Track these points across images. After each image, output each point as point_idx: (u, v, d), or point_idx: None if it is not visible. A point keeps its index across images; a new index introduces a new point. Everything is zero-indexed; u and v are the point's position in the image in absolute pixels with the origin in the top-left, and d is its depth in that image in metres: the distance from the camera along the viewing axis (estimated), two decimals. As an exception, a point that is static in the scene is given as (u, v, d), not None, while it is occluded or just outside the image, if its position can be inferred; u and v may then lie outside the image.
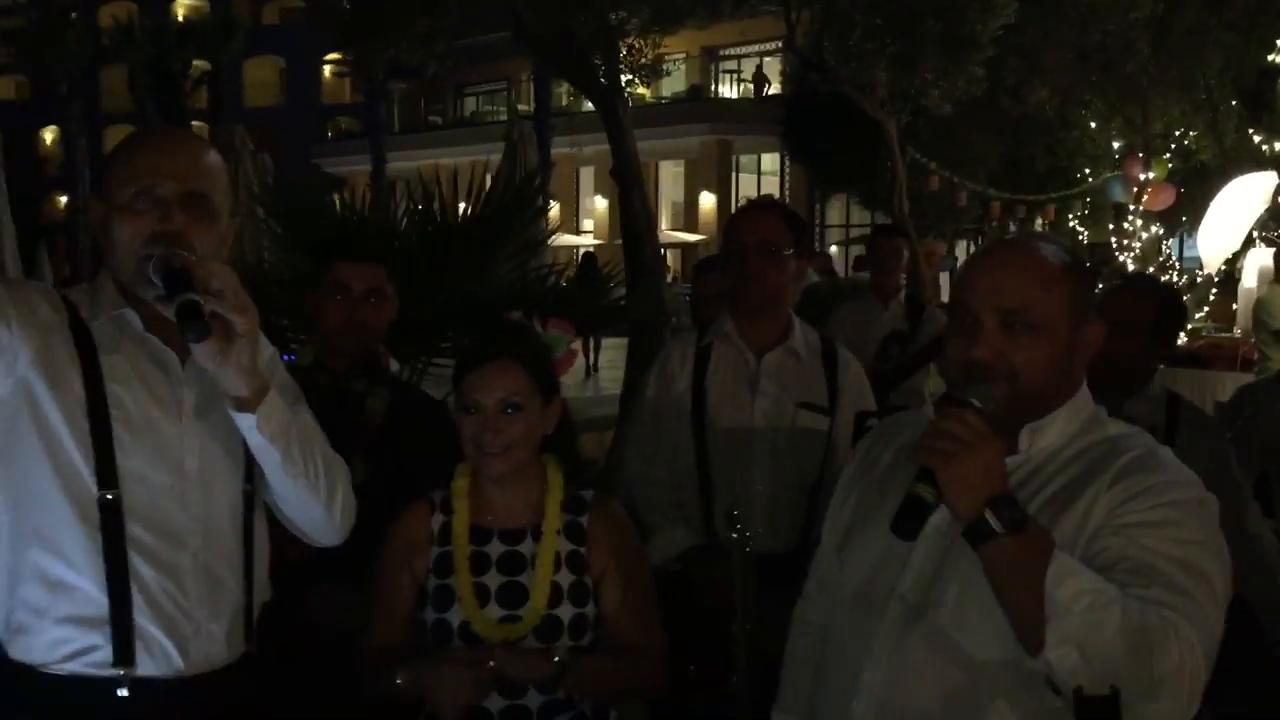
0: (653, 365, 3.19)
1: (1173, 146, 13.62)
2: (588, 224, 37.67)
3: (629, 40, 7.69)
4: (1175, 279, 13.04)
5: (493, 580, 2.19)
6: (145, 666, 1.81)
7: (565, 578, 2.20)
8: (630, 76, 7.37)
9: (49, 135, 48.25)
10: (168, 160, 1.83)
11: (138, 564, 1.81)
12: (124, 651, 1.80)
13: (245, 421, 1.81)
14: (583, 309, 6.21)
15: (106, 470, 1.79)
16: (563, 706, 2.17)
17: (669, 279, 31.28)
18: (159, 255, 1.73)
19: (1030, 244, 1.74)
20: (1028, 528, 1.49)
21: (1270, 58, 9.72)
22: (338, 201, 6.32)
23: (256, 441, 1.84)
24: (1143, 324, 2.99)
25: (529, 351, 2.25)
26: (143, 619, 1.81)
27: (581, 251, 30.27)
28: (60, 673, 1.80)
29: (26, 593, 1.81)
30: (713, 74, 36.50)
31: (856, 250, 30.62)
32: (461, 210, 5.89)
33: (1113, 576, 1.50)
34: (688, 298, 5.15)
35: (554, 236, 6.78)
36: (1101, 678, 1.44)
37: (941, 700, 1.63)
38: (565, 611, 2.18)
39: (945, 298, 23.24)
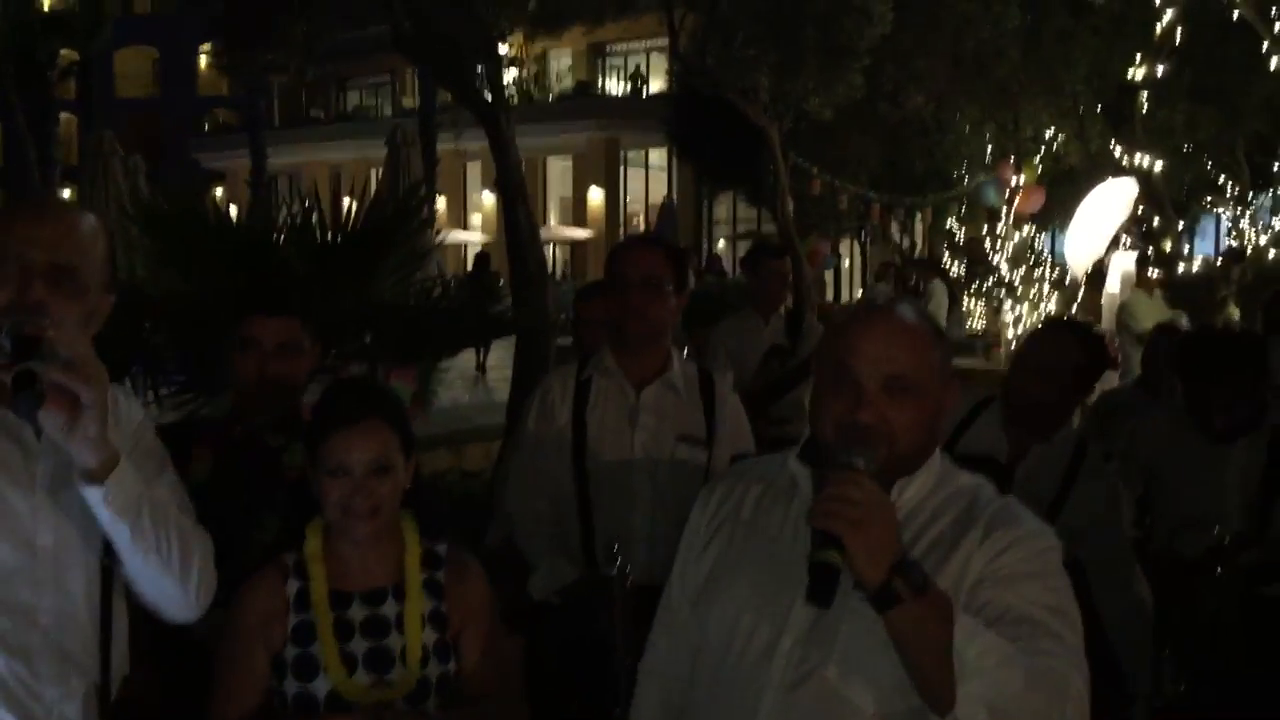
0: (533, 397, 3.20)
1: (1042, 150, 14.10)
2: (475, 219, 37.34)
3: (511, 50, 7.64)
4: (1047, 274, 13.52)
5: (358, 646, 2.13)
6: None
7: (430, 636, 2.16)
8: (512, 89, 7.31)
9: (-96, 127, 45.89)
10: (36, 230, 1.79)
11: None
12: None
13: (93, 495, 1.76)
14: (473, 317, 6.18)
15: None
16: None
17: (559, 276, 31.28)
18: (10, 322, 1.69)
19: (903, 310, 1.80)
20: (930, 590, 1.52)
21: (1129, 73, 10.13)
22: (214, 199, 6.12)
23: (104, 515, 1.79)
24: (1065, 369, 3.06)
25: (392, 410, 2.20)
26: None
27: (470, 249, 30.04)
28: None
29: None
30: (600, 69, 36.48)
31: (743, 245, 31.04)
32: (344, 218, 5.79)
33: (1000, 630, 1.56)
34: (571, 295, 5.16)
35: (440, 234, 6.69)
36: None
37: None
38: (433, 670, 2.15)
39: (829, 296, 23.70)
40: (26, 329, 1.67)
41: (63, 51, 32.62)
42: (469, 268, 27.55)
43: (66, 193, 36.31)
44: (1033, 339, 3.34)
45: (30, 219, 1.83)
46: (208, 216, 6.04)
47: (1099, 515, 3.02)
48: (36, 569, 1.81)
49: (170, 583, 1.89)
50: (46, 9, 38.07)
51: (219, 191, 42.12)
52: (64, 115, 34.73)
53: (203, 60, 42.69)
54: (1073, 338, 3.21)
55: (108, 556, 1.89)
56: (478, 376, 14.80)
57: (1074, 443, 3.13)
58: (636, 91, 33.44)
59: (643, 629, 2.48)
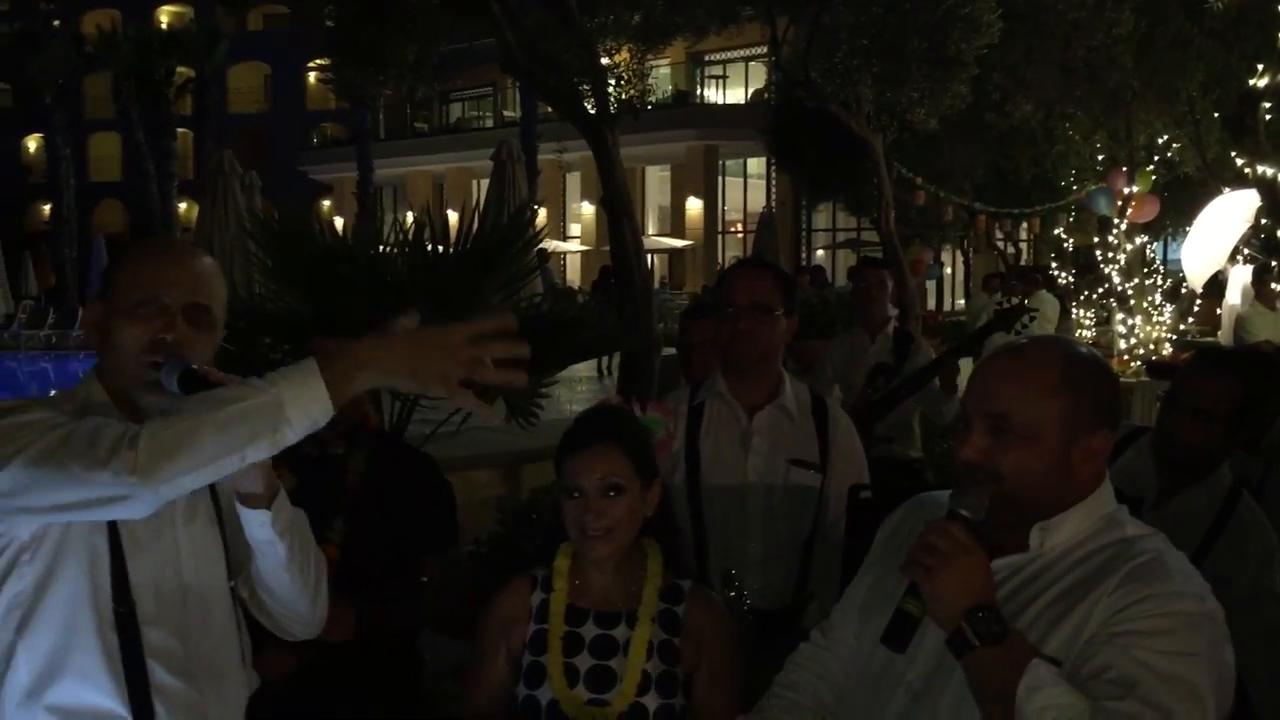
0: None
1: (1155, 158, 13.71)
2: (575, 229, 37.66)
3: (615, 67, 7.71)
4: (1160, 282, 13.13)
5: (584, 662, 2.24)
6: None
7: (655, 667, 2.23)
8: (616, 99, 7.36)
9: (33, 143, 48.03)
10: (174, 272, 1.87)
11: (158, 673, 1.83)
12: None
13: (257, 518, 1.85)
14: (596, 326, 6.23)
15: (120, 583, 1.81)
16: None
17: (657, 285, 31.36)
18: (172, 358, 1.77)
19: (1037, 351, 1.74)
20: (1006, 640, 1.53)
21: (1251, 82, 9.80)
22: (323, 211, 6.27)
23: (265, 537, 1.87)
24: (1225, 413, 2.88)
25: (628, 435, 2.31)
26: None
27: (570, 259, 30.32)
28: None
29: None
30: (698, 79, 36.55)
31: (843, 254, 30.81)
32: (455, 235, 5.88)
33: (1093, 686, 1.52)
34: (670, 304, 5.18)
35: (541, 236, 6.79)
36: None
37: None
38: (651, 701, 2.21)
39: (931, 305, 23.35)
40: (194, 365, 1.75)
41: (179, 69, 33.90)
42: (565, 278, 27.78)
43: (184, 206, 37.69)
44: (1188, 379, 3.03)
45: (167, 260, 1.91)
46: (322, 235, 6.20)
47: (1248, 566, 2.88)
48: (188, 598, 1.89)
49: (304, 600, 1.99)
50: (165, 27, 39.61)
51: (326, 203, 43.26)
52: (180, 130, 36.00)
53: (311, 76, 43.86)
54: (1231, 376, 2.97)
55: (231, 579, 1.98)
56: (601, 378, 14.76)
57: (1228, 486, 2.95)
58: (736, 102, 33.36)
59: (759, 653, 2.48)
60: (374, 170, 33.81)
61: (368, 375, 1.63)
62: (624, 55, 8.79)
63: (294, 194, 36.89)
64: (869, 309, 5.70)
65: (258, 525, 1.86)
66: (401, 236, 6.00)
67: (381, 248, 5.95)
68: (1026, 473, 1.66)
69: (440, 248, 5.82)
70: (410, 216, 6.22)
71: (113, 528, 1.82)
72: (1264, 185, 9.95)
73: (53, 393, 2.09)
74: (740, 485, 3.01)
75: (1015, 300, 6.40)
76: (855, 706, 1.86)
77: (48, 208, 40.78)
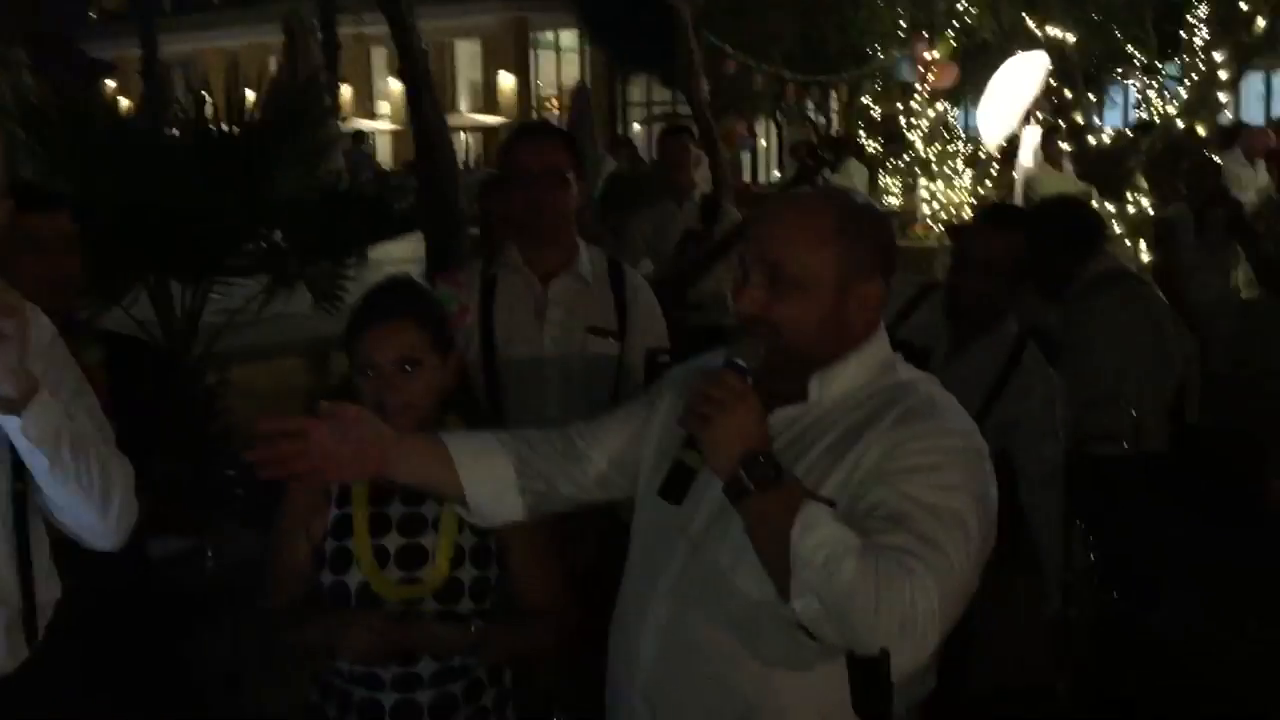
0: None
1: (955, 25, 13.99)
2: (383, 107, 36.38)
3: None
4: (961, 149, 13.59)
5: (392, 542, 2.16)
6: None
7: (468, 539, 2.17)
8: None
9: None
10: None
11: None
12: None
13: (10, 424, 1.74)
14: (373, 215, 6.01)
15: None
16: (456, 673, 2.16)
17: (471, 165, 30.69)
18: None
19: (812, 201, 1.74)
20: (781, 484, 1.54)
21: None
22: (105, 93, 5.83)
23: (22, 445, 1.76)
24: (1009, 265, 3.00)
25: (421, 307, 2.22)
26: None
27: (378, 139, 29.36)
28: None
29: None
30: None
31: (659, 127, 30.69)
32: (241, 111, 5.55)
33: (866, 523, 1.54)
34: (481, 185, 5.07)
35: (347, 122, 6.48)
36: (840, 625, 1.49)
37: (718, 637, 1.69)
38: (466, 574, 2.16)
39: (747, 177, 23.63)
40: None
41: (-69, -66, 30.67)
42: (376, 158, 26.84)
43: (-53, 89, 34.51)
44: (971, 232, 3.21)
45: None
46: (96, 115, 5.77)
47: (1032, 411, 3.00)
48: None
49: (89, 511, 1.88)
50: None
51: (110, 84, 40.39)
52: (-63, 6, 32.82)
53: (85, -58, 40.47)
54: (1013, 226, 3.14)
55: (19, 480, 1.85)
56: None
57: (1015, 336, 3.09)
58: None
59: (563, 527, 2.45)
60: (161, 47, 31.64)
61: None
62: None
63: (72, 74, 34.33)
64: (674, 177, 5.72)
65: (11, 431, 1.75)
66: (183, 115, 5.66)
67: (161, 127, 5.60)
68: (802, 323, 1.65)
69: (229, 127, 5.50)
70: (205, 98, 5.83)
71: None
72: (1053, 47, 10.30)
73: None
74: (537, 357, 2.95)
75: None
76: (634, 562, 1.86)
77: None
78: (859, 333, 1.72)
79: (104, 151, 4.99)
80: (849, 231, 1.68)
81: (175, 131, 5.73)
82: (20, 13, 37.56)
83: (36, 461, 1.79)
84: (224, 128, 5.47)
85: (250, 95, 5.86)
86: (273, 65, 33.75)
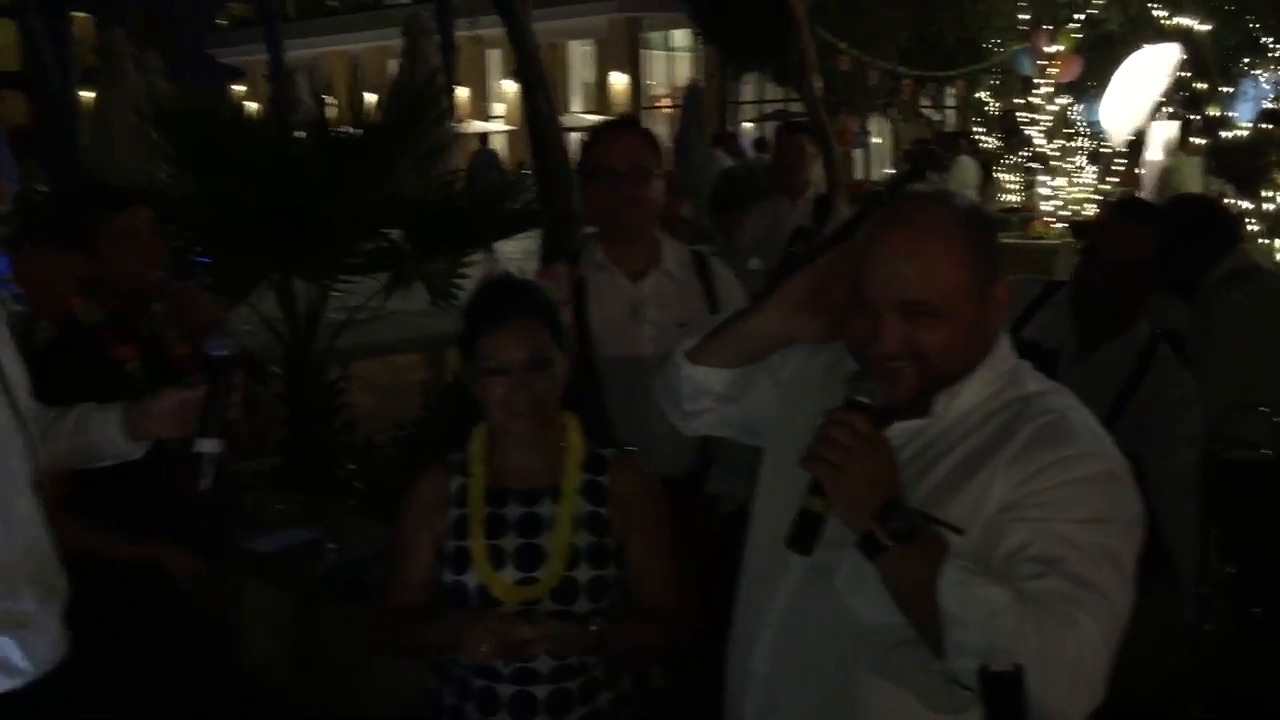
0: None
1: (1079, 16, 13.58)
2: (498, 108, 36.87)
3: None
4: (1083, 144, 13.18)
5: (509, 543, 2.18)
6: None
7: (584, 539, 2.18)
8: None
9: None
10: None
11: None
12: None
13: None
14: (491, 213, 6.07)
15: None
16: (573, 670, 2.16)
17: (583, 163, 30.86)
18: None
19: (925, 221, 1.62)
20: (918, 537, 1.47)
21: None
22: (233, 97, 6.02)
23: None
24: (1143, 263, 2.89)
25: (542, 305, 2.22)
26: None
27: (493, 139, 29.77)
28: None
29: None
30: (619, -53, 35.55)
31: (771, 126, 30.52)
32: (362, 113, 5.68)
33: (1013, 567, 1.47)
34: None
35: (462, 123, 6.57)
36: None
37: (831, 658, 1.64)
38: (583, 574, 2.16)
39: (859, 175, 23.32)
40: None
41: (73, -52, 32.09)
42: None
43: (91, 95, 36.12)
44: (1108, 231, 3.05)
45: None
46: (222, 116, 5.95)
47: (1165, 415, 2.87)
48: None
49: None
50: (54, -95, 37.37)
51: (238, 88, 41.77)
52: (78, 14, 34.27)
53: (215, -47, 41.92)
54: (1148, 222, 3.00)
55: (38, 473, 1.91)
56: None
57: (1146, 338, 2.97)
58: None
59: (677, 526, 2.45)
60: (285, 52, 32.58)
61: None
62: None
63: (202, 79, 35.57)
64: (790, 174, 5.67)
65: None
66: (307, 117, 5.81)
67: (286, 126, 5.75)
68: (949, 347, 1.59)
69: (351, 129, 5.63)
70: (329, 101, 5.98)
71: None
72: (1183, 37, 9.92)
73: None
74: (637, 355, 2.92)
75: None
76: (752, 572, 1.82)
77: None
78: (990, 338, 1.66)
79: (233, 154, 5.13)
80: (972, 240, 1.61)
81: (300, 134, 5.87)
82: (155, 21, 39.10)
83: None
84: (346, 129, 5.60)
85: (370, 97, 5.98)
86: (391, 67, 34.58)
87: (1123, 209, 3.41)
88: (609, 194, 2.90)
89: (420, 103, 5.77)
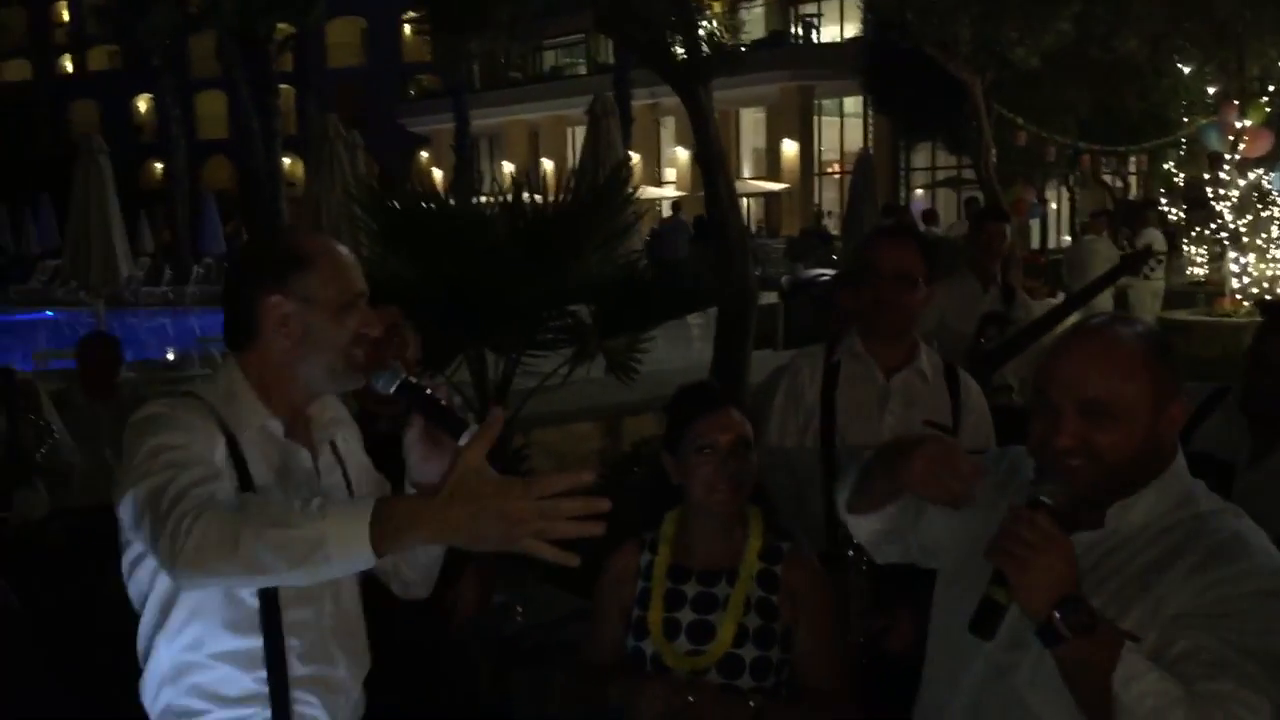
0: (779, 377, 3.27)
1: (1270, 90, 13.13)
2: (670, 174, 37.54)
3: (707, 18, 7.68)
4: (1277, 215, 12.67)
5: (685, 616, 2.42)
6: None
7: (753, 621, 2.40)
8: (708, 47, 7.34)
9: (143, 104, 49.43)
10: (359, 270, 2.01)
11: (294, 643, 1.96)
12: None
13: None
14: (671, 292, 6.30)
15: None
16: None
17: (753, 230, 31.10)
18: (394, 367, 1.91)
19: (1111, 332, 1.76)
20: (1096, 630, 1.57)
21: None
22: (422, 163, 6.30)
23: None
24: None
25: (741, 404, 2.55)
26: (300, 693, 1.98)
27: (665, 206, 30.42)
28: None
29: (193, 685, 1.93)
30: (792, 18, 35.94)
31: (943, 193, 30.19)
32: (552, 197, 5.96)
33: (1185, 668, 1.57)
34: (766, 249, 5.14)
35: (638, 190, 6.82)
36: None
37: None
38: (748, 652, 2.39)
39: (1034, 244, 22.81)
40: (411, 377, 1.93)
41: (280, 25, 34.39)
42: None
43: (288, 162, 38.53)
44: (1266, 333, 2.93)
45: (353, 261, 2.02)
46: (422, 200, 6.34)
47: None
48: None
49: (438, 566, 2.16)
50: (265, -14, 40.07)
51: (424, 154, 43.75)
52: (282, 86, 36.63)
53: (407, 28, 44.21)
54: None
55: None
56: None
57: None
58: (831, 41, 32.77)
59: (883, 604, 2.56)
60: (470, 121, 34.07)
61: (421, 534, 1.62)
62: (716, 3, 8.72)
63: (393, 147, 37.44)
64: (987, 261, 5.64)
65: None
66: (500, 196, 6.13)
67: (480, 207, 6.08)
68: (1123, 450, 1.69)
69: (537, 198, 5.94)
70: (506, 166, 6.32)
71: None
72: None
73: (198, 379, 2.22)
74: (875, 444, 3.02)
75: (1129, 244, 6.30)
76: (939, 654, 1.94)
77: (159, 166, 41.98)
78: (1167, 453, 1.75)
79: (433, 236, 5.50)
80: (1155, 357, 1.72)
81: (493, 209, 6.18)
82: (350, 93, 41.40)
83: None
84: (536, 206, 5.90)
85: (547, 163, 6.25)
86: (569, 136, 35.73)
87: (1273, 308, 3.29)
88: (872, 295, 3.07)
89: (608, 187, 6.05)
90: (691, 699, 2.29)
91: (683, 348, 13.73)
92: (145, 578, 1.93)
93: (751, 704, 2.32)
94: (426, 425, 1.91)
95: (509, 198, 5.97)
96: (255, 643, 1.92)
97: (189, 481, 1.71)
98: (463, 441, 1.84)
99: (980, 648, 1.78)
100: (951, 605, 1.86)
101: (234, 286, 2.00)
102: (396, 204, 5.77)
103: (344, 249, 2.03)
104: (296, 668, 1.95)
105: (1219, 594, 1.62)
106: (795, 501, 3.08)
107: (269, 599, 1.91)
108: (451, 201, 6.14)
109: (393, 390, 1.89)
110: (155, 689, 1.96)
